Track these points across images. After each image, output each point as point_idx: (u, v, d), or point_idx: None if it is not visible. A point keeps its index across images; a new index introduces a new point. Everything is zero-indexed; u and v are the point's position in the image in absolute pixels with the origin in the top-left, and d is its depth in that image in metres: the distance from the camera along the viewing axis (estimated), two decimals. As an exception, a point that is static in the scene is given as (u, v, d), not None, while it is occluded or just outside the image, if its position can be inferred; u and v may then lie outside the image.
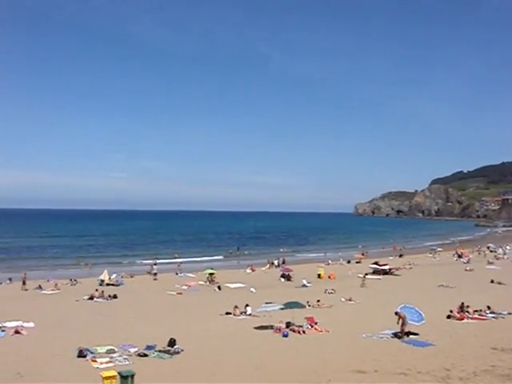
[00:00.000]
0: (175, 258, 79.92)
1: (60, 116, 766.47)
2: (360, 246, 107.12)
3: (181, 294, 43.55)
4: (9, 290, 45.02)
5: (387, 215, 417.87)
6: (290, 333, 25.89)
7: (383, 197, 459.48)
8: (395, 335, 24.55)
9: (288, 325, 26.94)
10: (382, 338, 24.51)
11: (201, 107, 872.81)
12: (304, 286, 48.01)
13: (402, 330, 24.47)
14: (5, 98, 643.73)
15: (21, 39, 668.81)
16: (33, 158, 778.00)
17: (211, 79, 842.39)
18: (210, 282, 50.97)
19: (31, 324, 28.59)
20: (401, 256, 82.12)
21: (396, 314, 25.26)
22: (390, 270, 58.12)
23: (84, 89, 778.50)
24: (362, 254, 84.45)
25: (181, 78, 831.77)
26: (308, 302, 34.83)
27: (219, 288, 46.56)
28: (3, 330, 26.87)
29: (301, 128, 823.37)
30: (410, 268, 63.84)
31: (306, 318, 28.26)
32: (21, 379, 18.31)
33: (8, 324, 28.14)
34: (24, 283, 45.61)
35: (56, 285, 46.48)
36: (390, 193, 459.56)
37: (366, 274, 52.79)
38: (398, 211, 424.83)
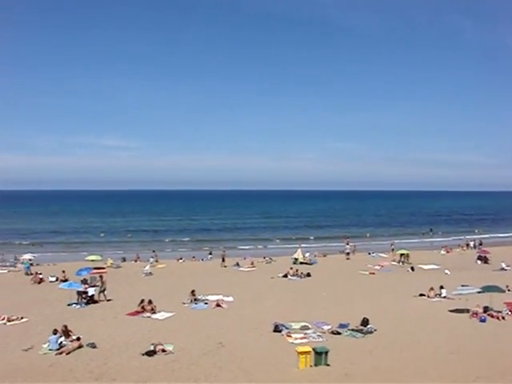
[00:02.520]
0: (366, 237, 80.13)
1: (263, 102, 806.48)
2: None
3: (373, 273, 43.43)
4: (210, 267, 49.13)
5: None
6: (488, 318, 24.72)
7: None
8: None
9: (486, 309, 25.67)
10: None
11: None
12: (503, 269, 44.84)
13: None
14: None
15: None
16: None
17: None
18: (402, 263, 50.07)
19: (230, 298, 31.10)
20: None
21: None
22: None
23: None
24: None
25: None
26: (507, 287, 32.31)
27: (412, 269, 45.48)
28: (206, 303, 29.70)
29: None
30: None
31: (505, 303, 26.71)
32: (222, 348, 20.12)
33: (210, 297, 31.06)
34: (223, 260, 49.40)
35: (252, 262, 49.43)
36: None
37: None
38: None
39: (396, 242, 65.67)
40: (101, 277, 33.37)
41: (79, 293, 30.72)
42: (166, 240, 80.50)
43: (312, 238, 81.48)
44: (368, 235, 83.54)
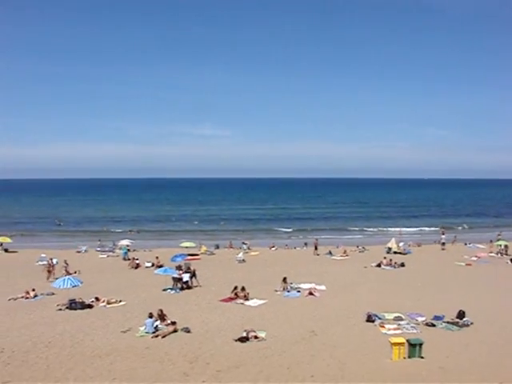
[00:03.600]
0: (462, 228, 77.01)
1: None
2: None
3: (470, 265, 41.58)
4: (303, 255, 49.11)
5: None
6: None
7: None
8: None
9: None
10: None
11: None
12: None
13: None
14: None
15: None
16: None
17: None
18: (501, 254, 47.49)
19: (323, 287, 30.98)
20: None
21: None
22: None
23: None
24: None
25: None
26: None
27: None
28: (298, 291, 29.76)
29: None
30: None
31: None
32: (315, 337, 20.09)
33: (303, 285, 31.08)
34: (316, 248, 49.18)
35: (345, 251, 48.87)
36: None
37: None
38: None
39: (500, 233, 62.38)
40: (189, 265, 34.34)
41: (174, 278, 31.73)
42: (258, 228, 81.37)
43: (405, 227, 79.29)
44: (465, 226, 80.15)
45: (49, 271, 34.76)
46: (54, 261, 41.31)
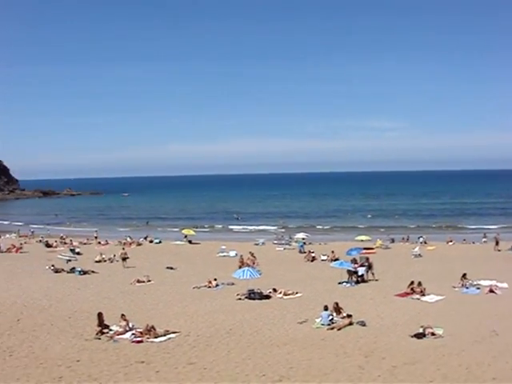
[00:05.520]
0: None
1: None
2: None
3: None
4: (482, 250, 46.28)
5: None
6: None
7: None
8: None
9: None
10: None
11: None
12: None
13: None
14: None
15: None
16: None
17: None
18: None
19: (505, 284, 28.82)
20: None
21: None
22: None
23: None
24: None
25: None
26: None
27: None
28: (478, 288, 28.15)
29: None
30: None
31: None
32: (496, 337, 18.95)
33: (483, 282, 29.29)
34: (497, 243, 45.83)
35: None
36: None
37: None
38: None
39: None
40: (367, 258, 34.10)
41: (349, 272, 31.87)
42: (433, 224, 77.35)
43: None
44: None
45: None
46: (233, 253, 43.99)
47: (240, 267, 34.09)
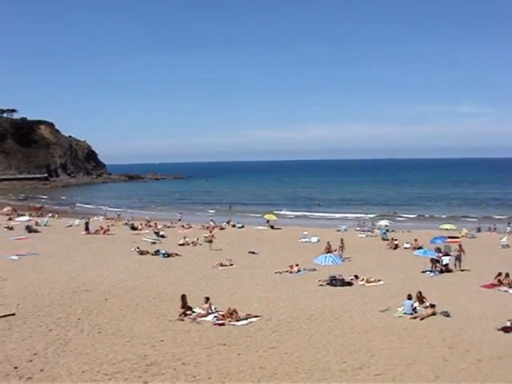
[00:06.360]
0: None
1: None
2: None
3: None
4: None
5: None
6: None
7: None
8: None
9: None
10: None
11: None
12: None
13: None
14: None
15: None
16: None
17: None
18: None
19: None
20: None
21: None
22: None
23: None
24: None
25: None
26: None
27: None
28: None
29: None
30: None
31: None
32: None
33: None
34: None
35: None
36: None
37: None
38: None
39: None
40: (460, 246, 32.95)
41: (433, 261, 31.01)
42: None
43: None
44: None
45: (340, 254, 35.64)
46: (315, 239, 43.85)
47: (328, 252, 33.97)
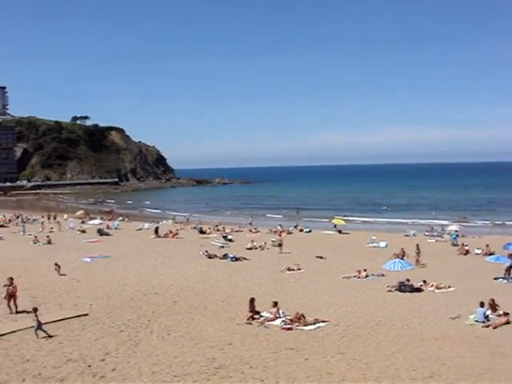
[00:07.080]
0: None
1: None
2: None
3: None
4: None
5: None
6: None
7: None
8: None
9: None
10: None
11: None
12: None
13: None
14: None
15: None
16: None
17: None
18: None
19: None
20: None
21: None
22: None
23: None
24: None
25: None
26: None
27: None
28: None
29: None
30: None
31: None
32: None
33: None
34: None
35: None
36: None
37: None
38: None
39: None
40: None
41: (507, 267, 29.74)
42: None
43: None
44: None
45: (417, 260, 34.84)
46: (383, 244, 43.00)
47: (401, 258, 33.32)
